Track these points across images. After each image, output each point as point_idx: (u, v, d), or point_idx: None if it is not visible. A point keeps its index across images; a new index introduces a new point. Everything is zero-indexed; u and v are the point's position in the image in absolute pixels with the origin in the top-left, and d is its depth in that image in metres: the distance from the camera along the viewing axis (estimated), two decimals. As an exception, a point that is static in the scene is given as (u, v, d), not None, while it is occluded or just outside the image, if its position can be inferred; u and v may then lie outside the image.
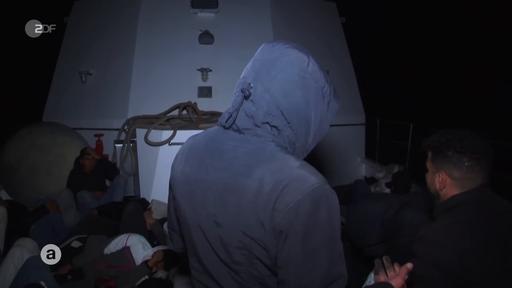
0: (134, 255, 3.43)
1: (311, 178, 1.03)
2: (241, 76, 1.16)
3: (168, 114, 5.49)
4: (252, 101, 1.11)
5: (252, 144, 1.10)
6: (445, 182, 1.59)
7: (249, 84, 1.11)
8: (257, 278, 1.10)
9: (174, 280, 3.11)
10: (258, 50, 1.17)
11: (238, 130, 1.14)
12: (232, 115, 1.14)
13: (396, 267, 1.36)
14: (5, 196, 5.16)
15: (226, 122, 1.15)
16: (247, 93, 1.10)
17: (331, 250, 1.02)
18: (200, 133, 1.28)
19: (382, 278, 1.36)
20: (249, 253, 1.07)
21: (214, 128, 1.23)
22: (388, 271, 1.36)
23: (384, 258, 1.39)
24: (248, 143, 1.11)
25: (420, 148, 1.71)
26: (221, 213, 1.10)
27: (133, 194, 5.28)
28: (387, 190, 4.96)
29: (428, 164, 1.67)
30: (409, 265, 1.33)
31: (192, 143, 1.26)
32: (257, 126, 1.11)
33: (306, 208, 0.99)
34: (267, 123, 1.10)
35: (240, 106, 1.13)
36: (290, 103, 1.09)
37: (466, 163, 1.54)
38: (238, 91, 1.14)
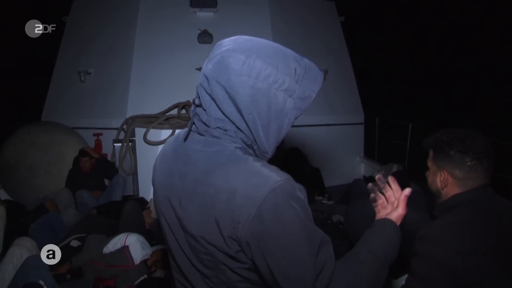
0: (133, 254, 3.43)
1: (269, 179, 0.99)
2: None
3: (167, 114, 5.49)
4: (203, 109, 1.09)
5: (212, 147, 1.08)
6: (446, 181, 1.59)
7: (197, 93, 1.12)
8: (226, 284, 1.10)
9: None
10: None
11: (199, 133, 1.13)
12: (192, 126, 1.15)
13: (392, 183, 1.30)
14: (4, 195, 5.16)
15: (185, 137, 1.16)
16: (197, 102, 1.11)
17: (310, 244, 0.99)
18: (173, 136, 1.29)
19: (380, 201, 1.32)
20: (215, 259, 1.07)
21: (184, 131, 1.21)
22: (384, 191, 1.31)
23: (376, 177, 1.33)
24: (208, 146, 1.09)
25: (422, 146, 1.71)
26: (186, 220, 1.09)
27: (132, 194, 5.28)
28: (386, 190, 4.96)
29: (429, 163, 1.66)
30: (407, 191, 1.25)
31: (165, 146, 1.27)
32: (212, 129, 1.09)
33: (268, 213, 0.96)
34: (218, 127, 1.08)
35: (194, 115, 1.13)
36: (232, 109, 1.04)
37: (468, 163, 1.54)
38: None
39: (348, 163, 6.75)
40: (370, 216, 2.68)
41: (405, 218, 2.46)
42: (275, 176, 1.00)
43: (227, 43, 1.08)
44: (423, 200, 2.48)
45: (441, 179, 1.60)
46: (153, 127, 4.89)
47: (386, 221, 1.23)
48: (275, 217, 0.97)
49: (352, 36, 7.58)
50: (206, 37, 6.04)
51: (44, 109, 6.27)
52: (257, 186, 0.98)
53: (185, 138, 1.16)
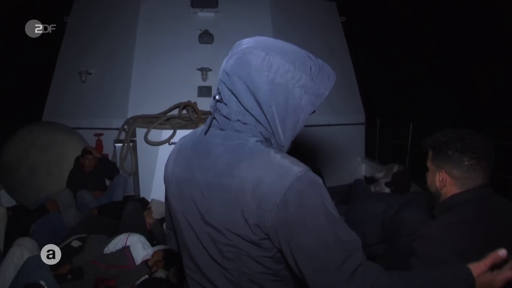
0: (134, 254, 3.43)
1: (292, 168, 1.04)
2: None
3: (168, 114, 5.50)
4: (224, 103, 1.14)
5: (233, 140, 1.12)
6: (445, 181, 1.60)
7: (217, 89, 1.17)
8: (248, 275, 1.12)
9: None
10: None
11: (220, 128, 1.17)
12: (212, 121, 1.20)
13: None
14: (5, 196, 5.18)
15: (206, 131, 1.20)
16: (218, 97, 1.15)
17: (335, 231, 1.02)
18: (190, 133, 1.32)
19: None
20: (237, 250, 1.10)
21: (202, 128, 1.25)
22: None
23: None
24: (229, 139, 1.13)
25: (421, 147, 1.71)
26: (208, 212, 1.12)
27: (133, 194, 5.28)
28: (387, 190, 4.96)
29: (429, 163, 1.67)
30: (501, 252, 1.07)
31: (181, 143, 1.31)
32: (233, 122, 1.13)
33: (293, 200, 1.00)
34: (239, 120, 1.12)
35: (215, 110, 1.18)
36: (252, 103, 1.10)
37: (466, 162, 1.55)
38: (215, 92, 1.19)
39: (349, 163, 6.75)
40: (371, 216, 2.68)
41: (405, 219, 2.46)
42: (296, 167, 1.04)
43: (247, 41, 1.15)
44: (424, 201, 2.48)
45: (440, 179, 1.61)
46: (154, 127, 4.89)
47: (463, 269, 1.08)
48: (300, 204, 1.00)
49: (353, 36, 7.58)
50: (207, 38, 6.03)
51: (45, 110, 6.27)
52: (282, 175, 1.02)
53: (206, 132, 1.19)
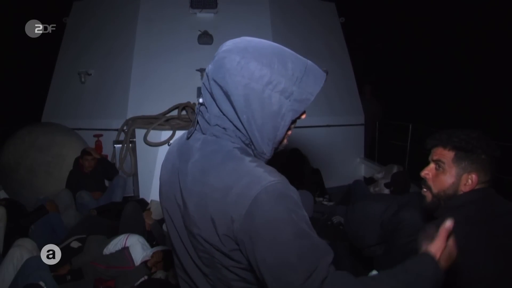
0: (133, 255, 3.43)
1: (262, 178, 1.00)
2: None
3: (168, 115, 5.49)
4: (205, 107, 1.13)
5: (211, 145, 1.11)
6: (474, 185, 1.56)
7: (201, 92, 1.16)
8: (224, 282, 1.11)
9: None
10: None
11: (202, 132, 1.16)
12: (196, 124, 1.19)
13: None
14: (4, 196, 5.15)
15: (189, 135, 1.19)
16: (201, 100, 1.15)
17: (299, 246, 0.96)
18: (181, 135, 1.30)
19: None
20: (212, 257, 1.09)
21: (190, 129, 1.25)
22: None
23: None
24: (207, 144, 1.11)
25: (423, 145, 1.68)
26: (186, 217, 1.11)
27: (132, 195, 5.28)
28: (386, 191, 4.97)
29: (448, 164, 1.59)
30: (448, 223, 1.09)
31: (172, 145, 1.31)
32: (212, 127, 1.12)
33: (258, 212, 0.97)
34: (217, 125, 1.10)
35: (198, 113, 1.17)
36: (228, 107, 1.07)
37: (493, 167, 1.55)
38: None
39: (348, 164, 6.75)
40: (370, 217, 2.68)
41: (405, 220, 2.45)
42: (268, 176, 1.00)
43: (228, 43, 1.11)
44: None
45: (467, 182, 1.56)
46: (154, 128, 4.89)
47: (422, 254, 1.11)
48: (265, 216, 0.97)
49: (352, 37, 7.58)
50: (206, 38, 6.03)
51: (44, 110, 6.27)
52: (250, 185, 0.99)
53: (188, 137, 1.18)
